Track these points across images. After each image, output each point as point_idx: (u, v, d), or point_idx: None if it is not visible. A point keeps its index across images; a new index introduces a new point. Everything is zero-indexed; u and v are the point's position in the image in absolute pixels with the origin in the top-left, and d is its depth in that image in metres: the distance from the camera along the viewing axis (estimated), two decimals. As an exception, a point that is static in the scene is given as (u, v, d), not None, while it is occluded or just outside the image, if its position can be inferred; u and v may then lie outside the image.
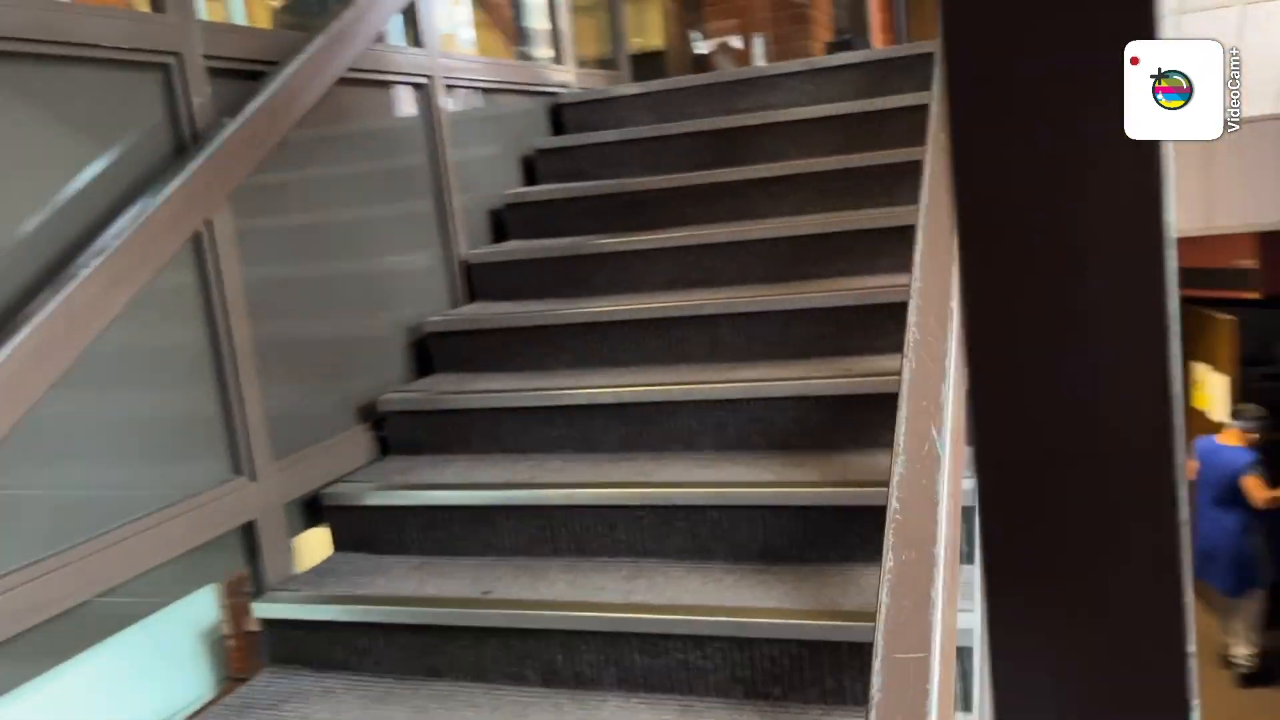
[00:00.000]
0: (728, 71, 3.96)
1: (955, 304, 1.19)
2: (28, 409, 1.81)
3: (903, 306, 2.60)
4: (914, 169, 3.16)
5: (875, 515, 2.19)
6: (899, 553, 0.93)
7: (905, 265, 2.84)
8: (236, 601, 2.40)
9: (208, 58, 2.37)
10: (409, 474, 2.65)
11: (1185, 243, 5.37)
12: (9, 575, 1.84)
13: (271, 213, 2.58)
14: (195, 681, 2.53)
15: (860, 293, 2.66)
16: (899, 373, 2.43)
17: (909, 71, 3.72)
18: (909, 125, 3.39)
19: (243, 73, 2.49)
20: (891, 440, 2.38)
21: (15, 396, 1.76)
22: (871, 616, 1.92)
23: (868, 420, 2.42)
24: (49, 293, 1.85)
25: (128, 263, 2.01)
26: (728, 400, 2.50)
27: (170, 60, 2.29)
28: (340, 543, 2.60)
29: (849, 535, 2.18)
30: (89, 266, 1.91)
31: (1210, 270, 7.67)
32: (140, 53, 2.22)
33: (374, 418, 2.85)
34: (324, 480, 2.63)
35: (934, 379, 1.09)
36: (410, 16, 3.20)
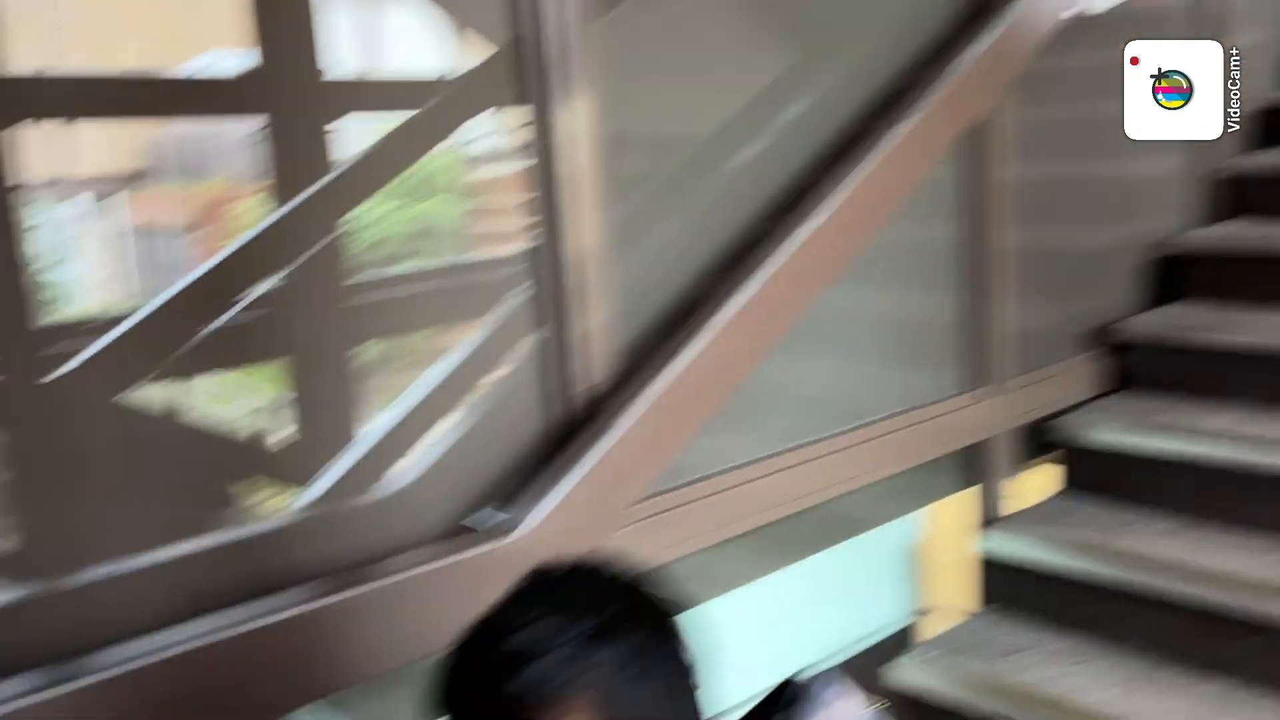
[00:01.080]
0: None
1: None
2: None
3: None
4: None
5: None
6: None
7: None
8: (955, 529, 2.17)
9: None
10: (1160, 415, 2.20)
11: None
12: (754, 464, 1.74)
13: (1029, 104, 2.23)
14: (890, 606, 2.37)
15: None
16: None
17: None
18: None
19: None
20: None
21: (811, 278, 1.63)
22: None
23: None
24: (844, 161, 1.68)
25: (916, 143, 1.79)
26: None
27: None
28: (1071, 482, 2.25)
29: None
30: (889, 133, 1.72)
31: None
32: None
33: (1106, 345, 2.44)
34: (1053, 408, 2.28)
35: None
36: None
